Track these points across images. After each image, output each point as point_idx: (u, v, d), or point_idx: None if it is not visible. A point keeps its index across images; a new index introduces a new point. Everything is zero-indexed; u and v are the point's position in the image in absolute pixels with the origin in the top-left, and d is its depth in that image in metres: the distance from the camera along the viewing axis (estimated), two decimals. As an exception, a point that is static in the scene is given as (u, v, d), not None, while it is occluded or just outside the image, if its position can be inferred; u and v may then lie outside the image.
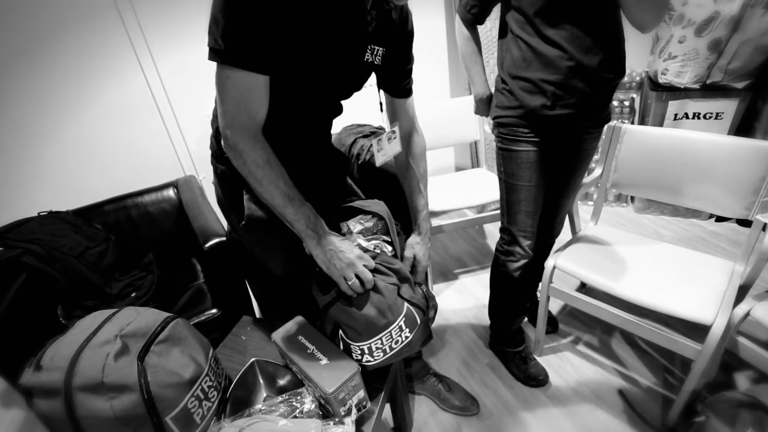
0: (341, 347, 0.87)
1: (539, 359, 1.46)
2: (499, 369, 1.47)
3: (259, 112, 0.70)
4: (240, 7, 0.61)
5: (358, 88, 0.87)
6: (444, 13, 2.22)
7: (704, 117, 1.95)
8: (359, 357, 0.84)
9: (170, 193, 1.68)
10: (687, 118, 1.99)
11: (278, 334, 0.95)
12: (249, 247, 0.95)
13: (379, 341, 0.81)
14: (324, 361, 0.84)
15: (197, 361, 0.83)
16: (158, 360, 0.77)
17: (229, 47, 0.63)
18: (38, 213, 1.49)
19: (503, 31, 1.06)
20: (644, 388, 1.32)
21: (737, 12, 1.70)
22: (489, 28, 2.11)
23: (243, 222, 0.88)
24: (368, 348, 0.82)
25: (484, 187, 1.89)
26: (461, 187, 1.94)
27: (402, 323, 0.84)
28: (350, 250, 0.78)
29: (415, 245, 0.97)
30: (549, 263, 1.30)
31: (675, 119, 2.00)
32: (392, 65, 0.89)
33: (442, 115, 2.03)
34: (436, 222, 1.82)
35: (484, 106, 1.23)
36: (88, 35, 1.55)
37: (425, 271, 0.96)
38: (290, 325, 0.97)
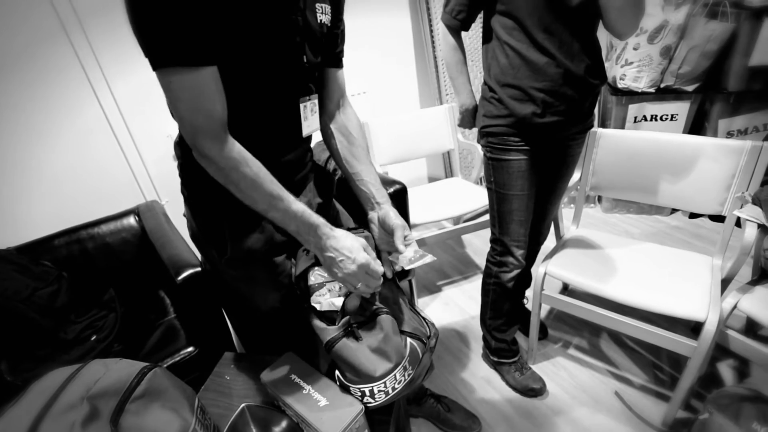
0: (338, 384, 0.80)
1: (534, 367, 1.44)
2: (496, 381, 1.43)
3: (216, 109, 0.62)
4: (151, 6, 0.53)
5: (319, 56, 0.77)
6: (409, 13, 2.15)
7: (661, 119, 2.06)
8: (360, 398, 0.77)
9: (131, 221, 1.53)
10: (645, 120, 2.09)
11: (268, 375, 0.86)
12: (232, 284, 0.86)
13: (382, 385, 0.75)
14: (323, 402, 0.77)
15: (182, 414, 0.73)
16: (135, 420, 0.67)
17: (158, 49, 0.56)
18: (-27, 253, 1.30)
19: (488, 36, 1.05)
20: (638, 386, 1.34)
21: (683, 20, 1.82)
22: (470, 36, 2.12)
23: (225, 256, 0.79)
24: (369, 391, 0.75)
25: (462, 196, 1.88)
26: (439, 198, 1.92)
27: (406, 363, 0.78)
28: (353, 252, 0.71)
29: (385, 214, 0.84)
30: (540, 270, 1.29)
31: (635, 122, 2.10)
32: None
33: (412, 127, 2.01)
34: (416, 235, 1.78)
35: (470, 117, 1.21)
36: (38, 60, 1.41)
37: (404, 229, 0.82)
38: (280, 363, 0.88)
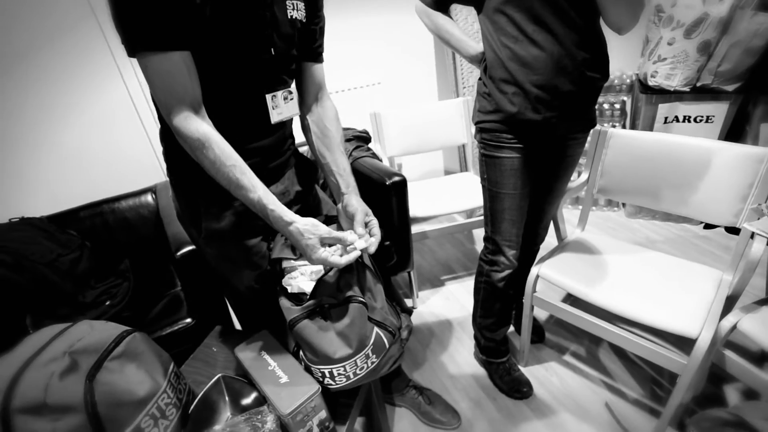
0: (303, 366, 0.84)
1: (524, 370, 1.42)
2: (483, 380, 1.42)
3: (186, 91, 0.66)
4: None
5: (290, 50, 0.79)
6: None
7: (695, 120, 1.92)
8: (320, 379, 0.80)
9: (148, 198, 1.64)
10: (677, 121, 1.96)
11: (241, 350, 0.91)
12: (212, 262, 0.91)
13: (342, 368, 0.78)
14: (284, 379, 0.80)
15: (154, 377, 0.79)
16: (111, 377, 0.73)
17: (132, 36, 0.61)
18: (9, 219, 1.45)
19: (482, 29, 1.03)
20: (631, 400, 1.28)
21: (726, 14, 1.67)
22: (471, 23, 2.07)
23: (202, 235, 0.84)
24: (329, 372, 0.78)
25: (472, 191, 1.85)
26: (449, 192, 1.91)
27: (369, 351, 0.80)
28: (311, 229, 0.73)
29: (347, 201, 0.86)
30: (533, 272, 1.26)
31: (665, 122, 1.97)
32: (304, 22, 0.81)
33: (429, 118, 1.99)
34: (422, 227, 1.78)
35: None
36: (68, 41, 1.52)
37: (364, 214, 0.84)
38: (254, 340, 0.93)
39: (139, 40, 0.62)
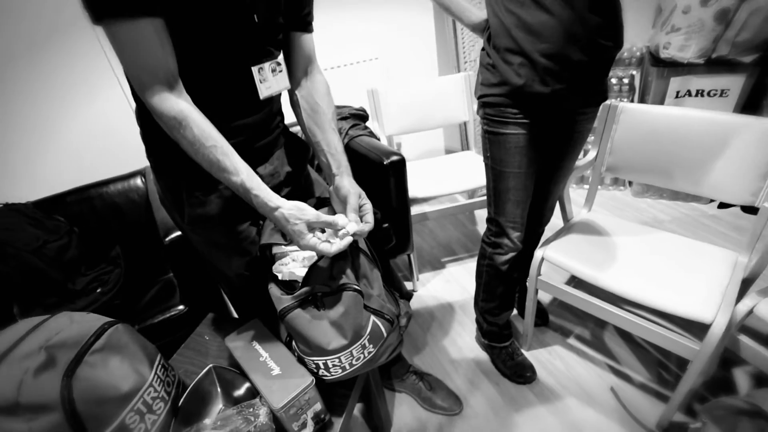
0: (296, 357, 0.79)
1: (527, 354, 1.39)
2: (485, 364, 1.39)
3: (158, 64, 0.59)
4: None
5: (275, 17, 0.72)
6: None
7: (708, 94, 1.83)
8: (315, 370, 0.76)
9: (137, 182, 1.58)
10: (690, 95, 1.86)
11: (232, 339, 0.87)
12: (198, 248, 0.86)
13: (337, 359, 0.73)
14: (276, 371, 0.76)
15: (139, 370, 0.75)
16: (92, 372, 0.69)
17: (95, 1, 0.54)
18: (-8, 205, 1.39)
19: None
20: (637, 384, 1.25)
21: (747, -22, 1.56)
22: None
23: (186, 221, 0.78)
24: (324, 364, 0.74)
25: (473, 170, 1.78)
26: (450, 171, 1.84)
27: (365, 341, 0.75)
28: (298, 213, 0.68)
29: (339, 183, 0.80)
30: (537, 254, 1.21)
31: (677, 97, 1.88)
32: None
33: (429, 94, 1.90)
34: (422, 208, 1.72)
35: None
36: (47, 18, 1.43)
37: (357, 197, 0.78)
38: (245, 329, 0.88)
39: (103, 5, 0.54)
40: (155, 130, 0.67)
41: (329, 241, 0.71)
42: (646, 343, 1.37)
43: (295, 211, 0.68)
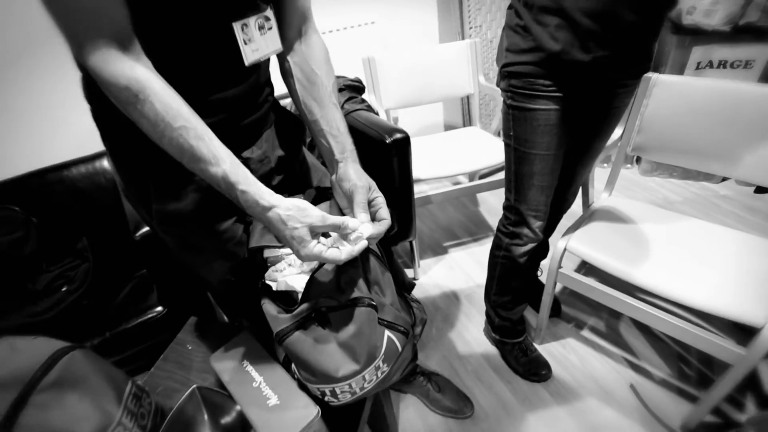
0: (296, 380, 0.67)
1: (540, 347, 1.30)
2: (496, 360, 1.30)
3: (105, 18, 0.44)
4: None
5: None
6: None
7: (731, 66, 1.70)
8: (319, 396, 0.63)
9: (104, 163, 1.38)
10: (711, 67, 1.73)
11: (218, 359, 0.73)
12: (172, 249, 0.70)
13: (347, 385, 0.61)
14: (273, 400, 0.64)
15: (103, 407, 0.61)
16: (40, 416, 0.55)
17: None
18: (-71, 193, 1.19)
19: None
20: (658, 380, 1.18)
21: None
22: None
23: (154, 219, 0.63)
24: (330, 390, 0.61)
25: (480, 148, 1.64)
26: (453, 150, 1.69)
27: (380, 362, 0.63)
28: (299, 213, 0.53)
29: (343, 173, 0.65)
30: (559, 245, 1.09)
31: (697, 68, 1.74)
32: None
33: (429, 64, 1.72)
34: (421, 188, 1.57)
35: None
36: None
37: (366, 191, 0.64)
38: (233, 345, 0.75)
39: None
40: (109, 106, 0.51)
41: (336, 247, 0.57)
42: (665, 336, 1.30)
43: (295, 211, 0.53)
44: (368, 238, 0.59)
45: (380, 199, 0.65)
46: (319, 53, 0.68)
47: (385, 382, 0.69)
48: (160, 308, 1.13)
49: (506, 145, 0.97)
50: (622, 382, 1.19)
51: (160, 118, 0.47)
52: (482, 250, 1.76)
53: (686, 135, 1.08)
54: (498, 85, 0.95)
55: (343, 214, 0.74)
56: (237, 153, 0.65)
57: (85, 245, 1.33)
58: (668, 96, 1.07)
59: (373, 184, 0.66)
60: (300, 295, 0.65)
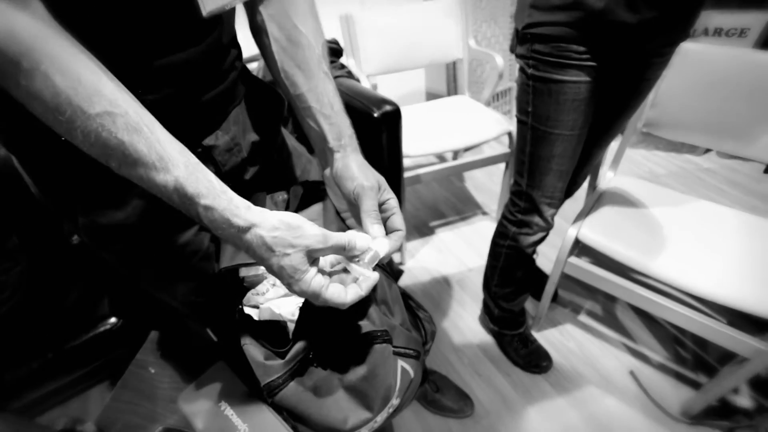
0: (290, 425, 0.54)
1: (538, 335, 1.25)
2: (493, 350, 1.24)
3: None
4: None
5: None
6: None
7: (726, 34, 1.63)
8: None
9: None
10: (706, 35, 1.66)
11: (188, 399, 0.59)
12: (117, 268, 0.53)
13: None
14: (265, 460, 0.51)
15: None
16: None
17: None
18: None
19: None
20: (656, 365, 1.16)
21: None
22: None
23: (86, 234, 0.46)
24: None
25: (471, 120, 1.50)
26: (442, 122, 1.54)
27: (394, 399, 0.51)
28: (288, 232, 0.37)
29: (343, 168, 0.49)
30: (570, 233, 1.00)
31: (692, 36, 1.65)
32: None
33: (411, 27, 1.53)
34: (408, 165, 1.43)
35: None
36: None
37: (376, 192, 0.48)
38: (206, 381, 0.60)
39: None
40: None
41: (342, 269, 0.43)
42: (661, 318, 1.27)
43: (285, 231, 0.37)
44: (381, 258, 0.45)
45: (393, 202, 0.51)
46: (303, 2, 0.50)
47: (394, 414, 0.58)
48: (114, 319, 0.95)
49: (521, 124, 0.84)
50: (621, 369, 1.16)
51: (64, 98, 0.30)
52: (471, 230, 1.67)
53: (702, 110, 0.99)
54: (513, 51, 0.81)
55: (341, 220, 0.59)
56: (197, 141, 0.48)
57: (16, 244, 1.10)
58: (691, 66, 0.97)
59: (383, 181, 0.51)
60: (291, 325, 0.52)
